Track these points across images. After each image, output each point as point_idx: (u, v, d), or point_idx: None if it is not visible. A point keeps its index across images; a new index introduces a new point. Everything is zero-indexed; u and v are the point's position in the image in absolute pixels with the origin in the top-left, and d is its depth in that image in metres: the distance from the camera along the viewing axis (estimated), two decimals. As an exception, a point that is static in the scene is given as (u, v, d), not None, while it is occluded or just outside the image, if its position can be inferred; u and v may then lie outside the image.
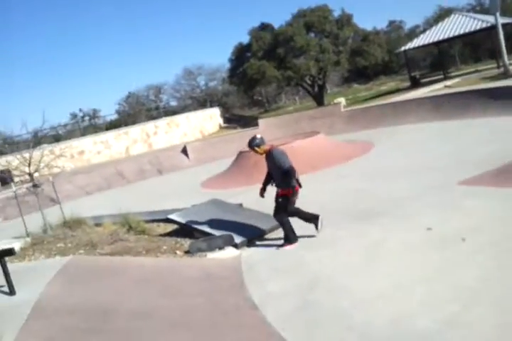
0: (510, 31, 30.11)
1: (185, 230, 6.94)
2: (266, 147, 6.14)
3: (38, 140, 17.71)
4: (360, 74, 48.75)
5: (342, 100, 26.70)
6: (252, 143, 6.14)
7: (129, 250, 6.22)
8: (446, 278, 4.20)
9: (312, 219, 6.16)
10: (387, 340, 3.44)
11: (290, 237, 6.04)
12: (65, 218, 7.98)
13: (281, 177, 5.98)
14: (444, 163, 8.68)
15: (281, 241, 6.11)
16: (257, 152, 6.19)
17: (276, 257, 5.65)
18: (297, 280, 4.88)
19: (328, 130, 15.94)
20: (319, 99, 30.93)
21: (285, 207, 6.01)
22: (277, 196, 6.06)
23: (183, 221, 6.81)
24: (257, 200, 6.51)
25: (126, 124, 30.21)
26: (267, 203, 6.24)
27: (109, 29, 78.40)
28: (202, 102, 38.88)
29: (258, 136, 6.20)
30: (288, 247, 5.95)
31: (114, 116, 39.27)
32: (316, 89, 31.62)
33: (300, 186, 6.10)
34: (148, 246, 6.37)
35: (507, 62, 20.96)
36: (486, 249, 4.62)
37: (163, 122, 25.21)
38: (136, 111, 37.07)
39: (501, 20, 21.99)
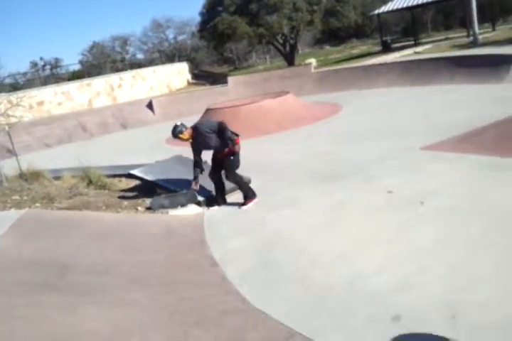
0: (482, 1, 30.05)
1: (147, 186, 6.80)
2: (189, 130, 6.02)
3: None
4: (332, 36, 48.05)
5: (313, 61, 26.33)
6: (176, 132, 5.97)
7: (88, 205, 6.06)
8: (403, 240, 4.29)
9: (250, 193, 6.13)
10: (343, 301, 3.50)
11: (249, 195, 6.05)
12: (21, 170, 7.66)
13: (218, 139, 5.94)
14: (410, 128, 8.76)
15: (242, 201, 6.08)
16: (183, 139, 6.02)
17: (238, 216, 5.63)
18: (258, 239, 4.89)
19: (298, 91, 15.75)
20: (290, 59, 30.39)
21: (235, 166, 6.07)
22: (224, 157, 6.02)
23: (145, 177, 6.66)
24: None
25: (90, 75, 28.95)
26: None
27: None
28: (170, 56, 37.58)
29: (178, 123, 6.07)
30: (250, 204, 5.96)
31: (77, 67, 37.63)
32: (288, 48, 30.98)
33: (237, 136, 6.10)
34: (109, 202, 6.22)
35: (477, 31, 21.00)
36: (442, 212, 4.72)
37: (128, 75, 24.29)
38: (101, 62, 35.47)
39: (475, -12, 21.80)
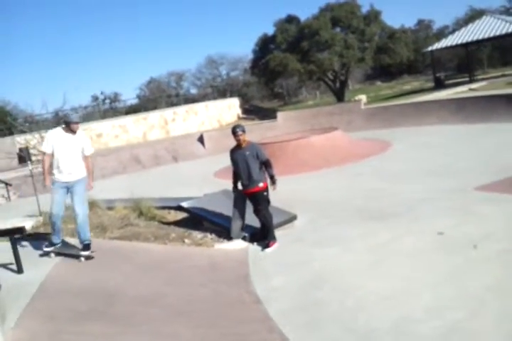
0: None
1: (195, 219, 6.95)
2: (248, 137, 6.11)
3: (57, 120, 17.81)
4: (383, 72, 48.16)
5: (363, 97, 26.41)
6: (239, 128, 5.98)
7: (138, 235, 6.26)
8: (453, 285, 4.13)
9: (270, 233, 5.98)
10: (388, 344, 3.40)
11: (273, 236, 5.94)
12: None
13: (259, 169, 5.95)
14: (463, 167, 8.53)
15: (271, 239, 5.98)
16: (239, 138, 5.96)
17: (284, 252, 5.62)
18: (303, 277, 4.85)
19: (347, 127, 15.79)
20: (340, 95, 30.64)
21: (268, 201, 6.04)
22: (257, 191, 5.94)
23: (193, 210, 6.82)
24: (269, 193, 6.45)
25: (146, 109, 30.34)
26: (279, 197, 6.20)
27: (137, 12, 78.66)
28: (222, 92, 38.84)
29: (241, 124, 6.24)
30: (274, 246, 5.83)
31: (135, 101, 39.55)
32: (338, 84, 31.31)
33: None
34: (157, 233, 6.39)
35: (536, 67, 20.43)
36: (496, 257, 4.53)
37: (182, 109, 25.23)
38: (157, 96, 37.17)
39: (535, 23, 21.42)
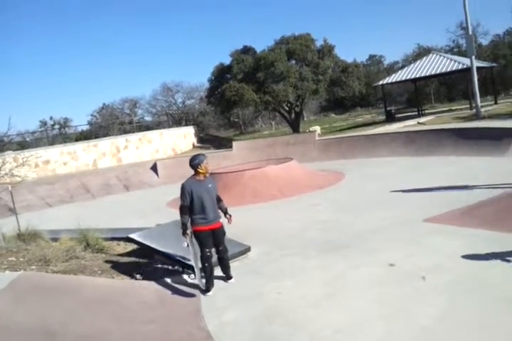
0: (484, 75, 31.41)
1: (145, 251, 6.72)
2: (208, 167, 5.54)
3: (2, 146, 17.11)
4: (337, 104, 49.85)
5: (317, 128, 27.04)
6: (198, 160, 5.40)
7: (83, 269, 5.97)
8: (404, 316, 4.15)
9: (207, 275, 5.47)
10: (340, 382, 3.32)
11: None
12: (20, 230, 7.64)
13: (217, 205, 5.58)
14: (412, 199, 8.76)
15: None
16: (199, 172, 5.42)
17: (236, 285, 5.49)
18: (255, 311, 4.74)
19: (302, 157, 16.02)
20: (295, 126, 31.26)
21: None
22: (222, 226, 5.60)
23: (144, 241, 6.60)
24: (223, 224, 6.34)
25: (97, 136, 29.74)
26: (232, 228, 6.10)
27: (90, 37, 78.22)
28: (177, 120, 38.80)
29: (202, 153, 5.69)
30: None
31: (86, 127, 38.79)
32: (293, 115, 32.00)
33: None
34: (105, 266, 6.12)
35: (479, 104, 21.70)
36: (444, 288, 4.60)
37: (135, 137, 24.90)
38: (109, 123, 36.57)
39: (476, 63, 22.87)
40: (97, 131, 35.32)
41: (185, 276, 5.94)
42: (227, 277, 5.70)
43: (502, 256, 5.15)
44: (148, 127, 34.88)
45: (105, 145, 23.28)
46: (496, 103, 27.50)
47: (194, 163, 5.43)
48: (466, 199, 7.55)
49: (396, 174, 12.15)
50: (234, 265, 6.21)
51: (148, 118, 44.97)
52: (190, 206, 5.32)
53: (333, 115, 48.99)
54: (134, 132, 28.26)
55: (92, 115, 45.60)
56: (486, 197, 7.39)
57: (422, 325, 3.94)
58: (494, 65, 31.92)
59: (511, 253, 5.16)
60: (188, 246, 5.38)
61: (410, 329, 3.91)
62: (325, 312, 4.48)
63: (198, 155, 5.60)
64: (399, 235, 6.57)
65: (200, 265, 5.43)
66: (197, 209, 5.34)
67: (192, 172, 5.54)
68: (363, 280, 5.15)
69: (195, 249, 5.46)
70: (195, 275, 5.58)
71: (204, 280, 5.43)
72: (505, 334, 3.61)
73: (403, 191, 9.69)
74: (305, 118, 45.62)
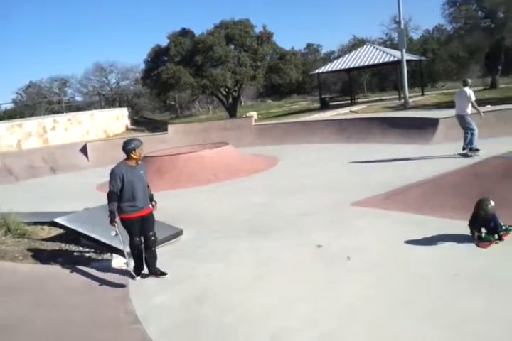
0: (413, 68, 32.86)
1: (71, 235, 6.47)
2: (142, 153, 5.24)
3: None
4: (274, 90, 50.20)
5: (254, 114, 27.17)
6: (131, 145, 5.07)
7: (4, 254, 5.65)
8: (329, 295, 4.32)
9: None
10: (265, 359, 3.41)
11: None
12: None
13: (147, 192, 5.32)
14: (342, 184, 9.07)
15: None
16: (132, 158, 5.11)
17: (168, 268, 5.42)
18: (185, 294, 4.73)
19: (238, 142, 16.02)
20: (232, 111, 31.17)
21: None
22: (151, 212, 5.33)
23: (70, 225, 6.34)
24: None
25: (23, 116, 28.03)
26: (166, 211, 6.02)
27: (17, 9, 73.13)
28: (110, 101, 37.42)
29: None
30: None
31: (10, 106, 36.40)
32: (231, 100, 31.86)
33: None
34: (27, 252, 5.82)
35: (407, 95, 22.73)
36: (367, 268, 4.83)
37: (64, 118, 23.65)
38: (36, 102, 34.54)
39: (406, 56, 23.84)
40: (22, 110, 33.24)
41: (113, 261, 5.79)
42: (160, 273, 5.28)
43: (421, 236, 5.47)
44: (78, 108, 33.36)
45: (31, 125, 21.91)
46: (422, 94, 28.91)
47: (128, 147, 5.07)
48: (392, 184, 7.91)
49: (327, 160, 12.49)
50: (165, 248, 6.15)
51: (79, 98, 43.05)
52: (120, 193, 5.01)
53: (269, 101, 49.36)
54: (63, 112, 26.89)
55: (17, 93, 42.91)
56: (410, 182, 7.77)
57: (346, 303, 4.12)
58: (423, 58, 33.43)
59: (429, 233, 5.49)
60: (116, 234, 5.12)
61: (336, 307, 4.07)
62: (254, 294, 4.55)
63: (133, 139, 5.26)
64: (327, 218, 6.79)
65: (128, 251, 5.26)
66: (126, 197, 5.03)
67: (124, 156, 5.23)
68: (292, 261, 5.28)
69: (124, 237, 5.21)
70: (126, 262, 5.42)
71: (133, 267, 5.28)
72: (424, 311, 3.84)
73: (333, 176, 10.01)
74: (242, 104, 45.62)
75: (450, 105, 13.01)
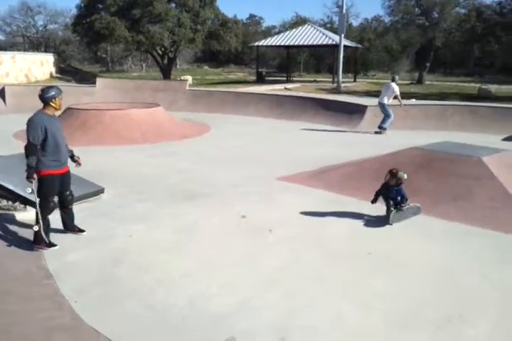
0: (349, 54, 33.68)
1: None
2: (61, 101, 4.79)
3: None
4: (212, 57, 49.24)
5: (189, 78, 26.53)
6: (50, 94, 4.64)
7: None
8: (248, 265, 4.44)
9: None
10: (181, 321, 3.47)
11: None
12: None
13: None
14: (269, 158, 9.23)
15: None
16: (52, 107, 4.70)
17: (84, 225, 5.26)
18: (103, 253, 4.64)
19: (169, 105, 15.62)
20: (167, 72, 30.23)
21: None
22: (69, 171, 4.98)
23: (-18, 173, 5.90)
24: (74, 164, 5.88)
25: None
26: (87, 168, 5.77)
27: None
28: (36, 45, 34.69)
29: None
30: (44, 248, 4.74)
31: None
32: (166, 61, 30.83)
33: None
34: None
35: (341, 79, 23.34)
36: (287, 240, 5.02)
37: (-19, 55, 21.71)
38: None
39: (344, 42, 24.38)
40: None
41: (27, 214, 5.51)
42: (78, 230, 5.10)
43: (339, 215, 5.77)
44: (-2, 47, 30.56)
45: None
46: (355, 81, 29.85)
47: (48, 95, 4.64)
48: (319, 163, 8.19)
49: (258, 133, 12.60)
50: (84, 205, 5.96)
51: (0, 36, 39.34)
52: (42, 145, 4.58)
53: (206, 67, 48.38)
54: (-21, 49, 24.57)
55: None
56: (335, 162, 8.09)
57: (262, 273, 4.26)
58: (359, 46, 34.34)
59: (348, 212, 5.80)
60: (31, 192, 4.65)
61: (254, 277, 4.19)
62: (174, 258, 4.57)
63: (53, 87, 4.84)
64: (253, 190, 6.91)
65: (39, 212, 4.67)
66: (50, 150, 4.62)
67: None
68: (215, 229, 5.35)
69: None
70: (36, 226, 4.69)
71: (44, 230, 4.68)
72: (337, 285, 4.09)
73: (262, 150, 10.15)
74: (178, 67, 44.31)
75: (378, 94, 13.60)
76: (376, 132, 12.45)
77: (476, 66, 43.95)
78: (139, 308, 3.64)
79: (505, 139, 11.47)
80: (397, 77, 12.85)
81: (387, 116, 12.49)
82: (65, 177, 4.90)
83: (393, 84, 12.35)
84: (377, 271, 4.33)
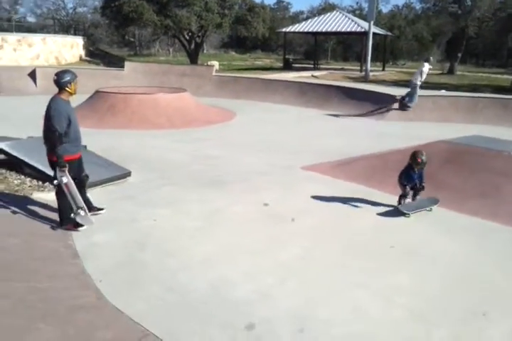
0: (378, 42, 33.02)
1: (12, 163, 6.20)
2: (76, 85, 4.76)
3: None
4: (239, 43, 48.96)
5: (216, 64, 26.48)
6: (66, 78, 4.62)
7: None
8: (270, 253, 4.47)
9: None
10: (202, 305, 3.53)
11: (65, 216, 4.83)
12: None
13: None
14: (295, 147, 9.20)
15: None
16: (68, 92, 4.70)
17: (112, 208, 5.37)
18: (128, 236, 4.73)
19: (196, 90, 15.65)
20: (194, 57, 30.21)
21: None
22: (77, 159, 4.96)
23: (13, 152, 6.06)
24: (106, 147, 6.05)
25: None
26: (116, 151, 5.88)
27: None
28: (65, 27, 35.01)
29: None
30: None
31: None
32: (193, 46, 30.79)
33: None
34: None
35: (369, 68, 22.94)
36: (309, 230, 5.03)
37: (13, 37, 22.05)
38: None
39: (374, 29, 23.84)
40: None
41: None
42: (97, 209, 5.18)
43: (363, 207, 5.74)
44: (30, 29, 30.97)
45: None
46: (383, 69, 29.29)
47: (64, 80, 4.60)
48: (345, 153, 8.11)
49: (284, 121, 12.55)
50: (111, 188, 6.08)
51: (31, 19, 39.87)
52: (64, 132, 4.61)
53: (233, 53, 48.19)
54: (12, 31, 24.95)
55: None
56: (362, 153, 8.00)
57: (283, 261, 4.28)
58: (389, 33, 33.60)
59: (371, 204, 5.77)
60: (60, 182, 4.61)
61: (274, 265, 4.22)
62: (197, 243, 4.62)
63: (67, 71, 4.76)
64: (277, 178, 6.92)
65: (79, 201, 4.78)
66: (71, 136, 4.67)
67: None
68: (238, 216, 5.39)
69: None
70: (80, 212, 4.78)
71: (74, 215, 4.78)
72: (358, 275, 4.09)
73: (288, 138, 10.11)
74: (205, 51, 44.22)
75: (407, 84, 13.34)
76: (404, 105, 13.10)
77: (510, 57, 42.58)
78: (161, 291, 3.71)
79: (537, 134, 11.15)
80: (431, 58, 13.61)
81: (414, 89, 12.91)
82: (81, 161, 5.00)
83: (426, 64, 12.86)
84: (400, 265, 4.30)
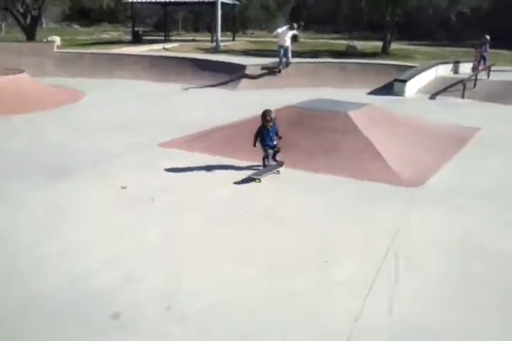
0: (227, 11, 33.19)
1: None
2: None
3: None
4: (83, 15, 45.48)
5: (57, 39, 24.40)
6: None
7: None
8: (130, 237, 4.38)
9: None
10: (62, 302, 3.36)
11: None
12: None
13: None
14: (150, 123, 9.00)
15: None
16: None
17: None
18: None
19: (36, 70, 14.19)
20: (30, 33, 27.30)
21: None
22: None
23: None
24: None
25: None
26: None
27: None
28: None
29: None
30: None
31: None
32: (29, 20, 27.77)
33: None
34: None
35: (219, 38, 23.05)
36: (170, 209, 5.03)
37: None
38: None
39: (223, -1, 23.82)
40: None
41: None
42: None
43: (220, 178, 5.90)
44: None
45: None
46: (233, 39, 29.65)
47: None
48: (199, 126, 8.12)
49: (136, 98, 12.13)
50: None
51: None
52: None
53: (77, 27, 44.59)
54: None
55: None
56: (216, 124, 8.10)
57: (145, 243, 4.24)
58: (237, 3, 33.92)
59: (228, 174, 5.94)
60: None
61: (137, 248, 4.16)
62: (46, 237, 4.36)
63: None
64: (134, 159, 6.75)
65: None
66: None
67: None
68: (93, 203, 5.15)
69: None
70: None
71: None
72: (217, 246, 4.22)
73: (141, 115, 9.84)
74: (44, 26, 40.30)
75: (257, 53, 13.75)
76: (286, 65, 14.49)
77: (345, 23, 46.05)
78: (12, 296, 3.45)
79: (369, 93, 12.48)
80: (295, 25, 15.17)
81: (287, 52, 14.34)
82: None
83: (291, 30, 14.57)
84: (254, 229, 4.57)
